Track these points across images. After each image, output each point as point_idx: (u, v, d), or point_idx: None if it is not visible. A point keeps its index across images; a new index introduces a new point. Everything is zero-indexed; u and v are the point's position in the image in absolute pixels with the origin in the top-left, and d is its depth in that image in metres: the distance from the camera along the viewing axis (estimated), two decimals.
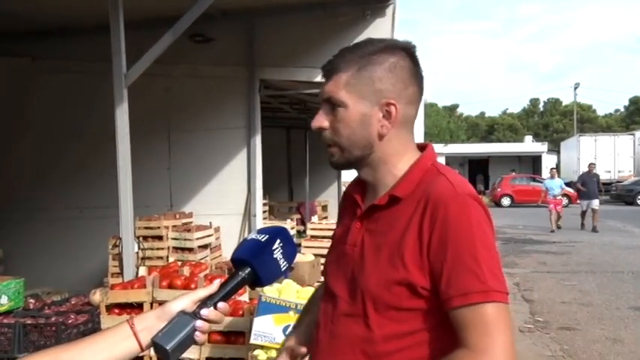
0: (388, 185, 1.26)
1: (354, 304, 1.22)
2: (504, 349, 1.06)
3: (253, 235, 1.17)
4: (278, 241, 1.15)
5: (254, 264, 1.12)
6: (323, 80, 1.27)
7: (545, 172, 35.98)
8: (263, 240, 1.15)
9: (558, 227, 15.25)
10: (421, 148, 1.31)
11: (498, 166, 36.51)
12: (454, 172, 1.25)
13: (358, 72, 1.22)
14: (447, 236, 1.13)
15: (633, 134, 31.63)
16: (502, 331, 1.07)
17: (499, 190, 26.81)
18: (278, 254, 1.15)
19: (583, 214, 15.71)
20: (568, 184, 27.76)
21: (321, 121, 1.27)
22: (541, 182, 28.04)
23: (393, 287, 1.16)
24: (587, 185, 15.39)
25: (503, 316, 1.09)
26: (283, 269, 1.16)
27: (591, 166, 16.34)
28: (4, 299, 4.26)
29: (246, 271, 1.12)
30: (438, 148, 36.94)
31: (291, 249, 1.18)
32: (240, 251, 1.14)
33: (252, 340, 3.12)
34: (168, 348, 1.02)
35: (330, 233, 5.93)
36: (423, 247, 1.15)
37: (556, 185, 15.71)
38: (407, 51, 1.25)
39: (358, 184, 1.36)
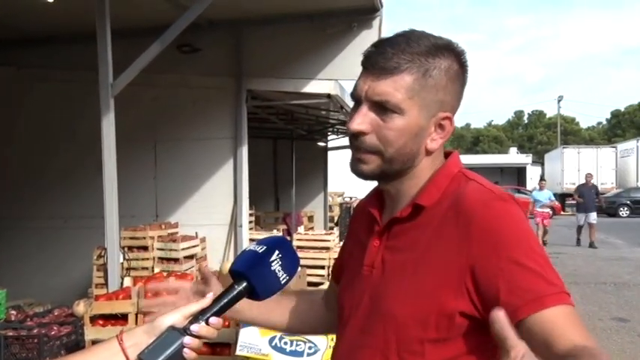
0: (411, 196, 1.11)
1: (372, 334, 1.09)
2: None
3: (252, 247, 1.12)
4: (277, 252, 1.08)
5: (249, 276, 1.06)
6: (369, 75, 1.06)
7: (530, 184, 36.42)
8: (260, 251, 1.08)
9: (544, 243, 13.67)
10: (445, 155, 1.17)
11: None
12: (484, 178, 1.11)
13: (424, 77, 1.04)
14: (492, 242, 0.98)
15: (615, 147, 32.11)
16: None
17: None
18: (276, 266, 1.08)
19: (580, 228, 14.52)
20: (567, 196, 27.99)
21: (363, 123, 1.06)
22: (526, 194, 28.39)
23: (423, 317, 1.02)
24: (584, 197, 14.53)
25: (580, 320, 0.95)
26: (283, 282, 1.09)
27: (589, 176, 15.35)
28: None
29: (242, 285, 1.06)
30: None
31: (291, 261, 1.11)
32: (237, 263, 1.09)
33: (237, 352, 3.10)
34: None
35: (316, 244, 5.93)
36: (462, 260, 0.99)
37: (544, 197, 14.69)
38: (461, 55, 1.09)
39: (374, 197, 1.20)
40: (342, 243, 1.42)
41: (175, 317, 1.05)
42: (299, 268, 1.15)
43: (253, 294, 1.07)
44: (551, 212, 15.04)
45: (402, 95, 1.03)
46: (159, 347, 1.00)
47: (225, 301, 1.06)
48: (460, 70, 1.09)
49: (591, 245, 13.91)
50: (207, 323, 1.03)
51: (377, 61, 1.05)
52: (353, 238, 1.27)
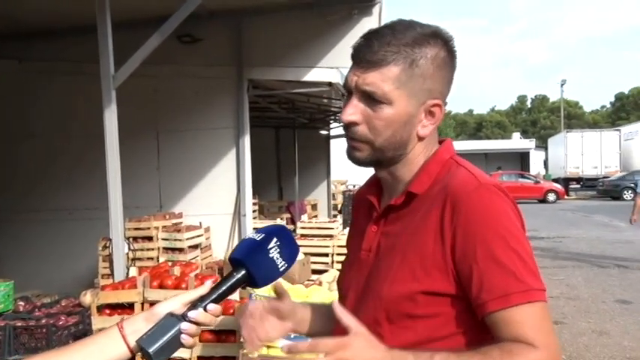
0: (406, 182, 1.16)
1: (366, 313, 1.12)
2: (557, 346, 1.00)
3: (251, 235, 1.13)
4: (275, 239, 1.09)
5: (247, 264, 1.07)
6: (358, 68, 1.10)
7: (534, 169, 36.30)
8: (259, 239, 1.09)
9: None
10: (440, 142, 1.20)
11: (478, 163, 36.52)
12: (473, 166, 1.15)
13: (410, 67, 1.07)
14: (473, 233, 1.02)
15: (619, 130, 31.97)
16: (550, 328, 1.01)
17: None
18: (275, 253, 1.08)
19: None
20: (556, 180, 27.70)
21: (353, 113, 1.11)
22: (530, 179, 28.30)
23: (410, 295, 1.06)
24: None
25: (547, 313, 1.02)
26: (281, 269, 1.09)
27: None
28: None
29: (241, 273, 1.07)
30: None
31: (290, 248, 1.11)
32: (236, 251, 1.09)
33: (242, 339, 3.14)
34: (150, 351, 1.00)
35: (320, 232, 5.99)
36: (446, 247, 1.04)
37: None
38: (449, 42, 1.12)
39: (373, 185, 1.24)
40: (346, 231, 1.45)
41: (174, 304, 1.08)
42: (298, 256, 1.15)
43: (252, 281, 1.08)
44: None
45: (389, 86, 1.07)
46: (157, 333, 1.02)
47: (224, 288, 1.07)
48: (448, 56, 1.11)
49: None
50: (205, 310, 1.05)
51: (364, 55, 1.09)
52: (354, 226, 1.32)
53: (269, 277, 1.09)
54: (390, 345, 1.03)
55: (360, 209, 1.29)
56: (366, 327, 1.09)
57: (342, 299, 1.24)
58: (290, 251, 1.11)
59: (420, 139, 1.13)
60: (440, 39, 1.11)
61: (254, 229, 1.20)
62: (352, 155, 1.15)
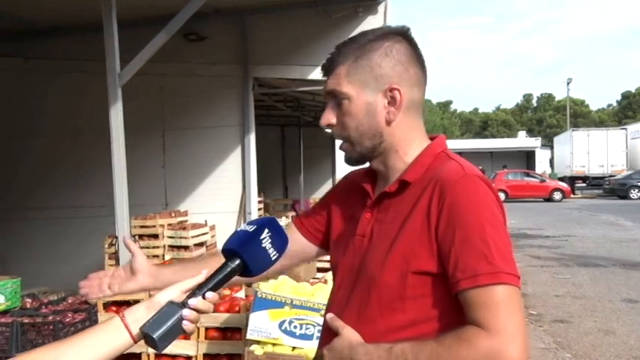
0: (399, 172, 1.25)
1: (358, 294, 1.22)
2: (515, 331, 1.02)
3: (243, 227, 1.18)
4: (266, 231, 1.15)
5: (242, 254, 1.13)
6: (324, 78, 1.27)
7: (540, 168, 36.15)
8: (251, 230, 1.15)
9: None
10: (432, 139, 1.30)
11: (484, 162, 36.33)
12: (463, 159, 1.24)
13: (355, 62, 1.21)
14: (455, 217, 1.11)
15: (626, 129, 31.75)
16: (513, 313, 1.04)
17: (493, 185, 26.85)
18: (267, 244, 1.15)
19: None
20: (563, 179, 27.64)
21: (328, 117, 1.26)
22: (536, 177, 28.18)
23: (401, 277, 1.15)
24: None
25: (514, 298, 1.05)
26: (273, 258, 1.17)
27: None
28: (1, 299, 4.28)
29: (236, 262, 1.13)
30: None
31: (280, 239, 1.18)
32: (229, 243, 1.16)
33: (248, 336, 3.15)
34: (155, 336, 1.04)
35: None
36: (431, 229, 1.13)
37: None
38: (402, 34, 1.24)
39: (368, 174, 1.34)
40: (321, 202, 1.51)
41: (174, 292, 1.13)
42: (288, 246, 1.22)
43: (246, 270, 1.15)
44: None
45: (342, 81, 1.22)
46: (160, 320, 1.07)
47: (221, 276, 1.13)
48: (396, 45, 1.22)
49: None
50: (203, 298, 1.10)
51: (324, 66, 1.27)
52: (344, 208, 1.40)
53: (262, 265, 1.16)
54: (381, 326, 1.16)
55: (352, 195, 1.38)
56: (359, 307, 1.20)
57: (337, 282, 1.32)
58: (280, 241, 1.17)
59: (388, 123, 1.22)
60: (390, 34, 1.23)
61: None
62: (345, 159, 1.28)
